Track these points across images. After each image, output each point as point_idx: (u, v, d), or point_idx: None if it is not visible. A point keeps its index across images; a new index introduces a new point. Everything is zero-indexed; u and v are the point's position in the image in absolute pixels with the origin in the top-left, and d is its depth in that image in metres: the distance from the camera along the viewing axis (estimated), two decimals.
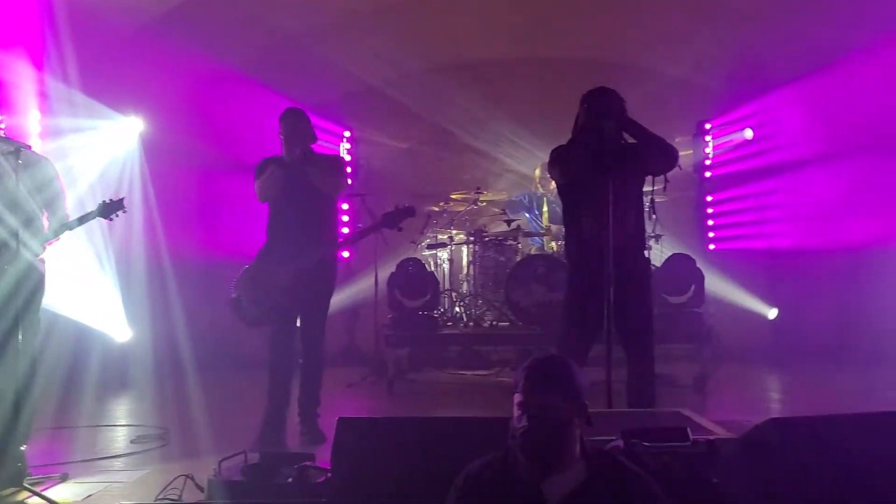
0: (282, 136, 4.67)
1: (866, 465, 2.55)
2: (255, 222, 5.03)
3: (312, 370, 4.78)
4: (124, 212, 4.03)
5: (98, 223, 4.25)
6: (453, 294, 7.65)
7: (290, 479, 3.19)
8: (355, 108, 8.89)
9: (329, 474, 3.06)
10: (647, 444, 2.54)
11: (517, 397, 2.22)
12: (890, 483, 2.55)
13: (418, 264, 7.09)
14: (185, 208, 7.67)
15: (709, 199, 8.87)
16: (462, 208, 7.65)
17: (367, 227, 5.10)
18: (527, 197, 7.86)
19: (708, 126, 8.80)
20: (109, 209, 3.96)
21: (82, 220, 3.96)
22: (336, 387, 6.42)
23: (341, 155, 8.05)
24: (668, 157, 4.02)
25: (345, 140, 8.77)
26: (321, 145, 5.20)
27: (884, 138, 7.53)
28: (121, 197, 4.04)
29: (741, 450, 2.65)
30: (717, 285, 7.76)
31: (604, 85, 4.09)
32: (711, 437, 2.66)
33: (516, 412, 2.21)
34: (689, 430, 2.63)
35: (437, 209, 7.68)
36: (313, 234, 4.65)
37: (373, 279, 7.38)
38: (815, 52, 7.51)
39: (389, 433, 2.95)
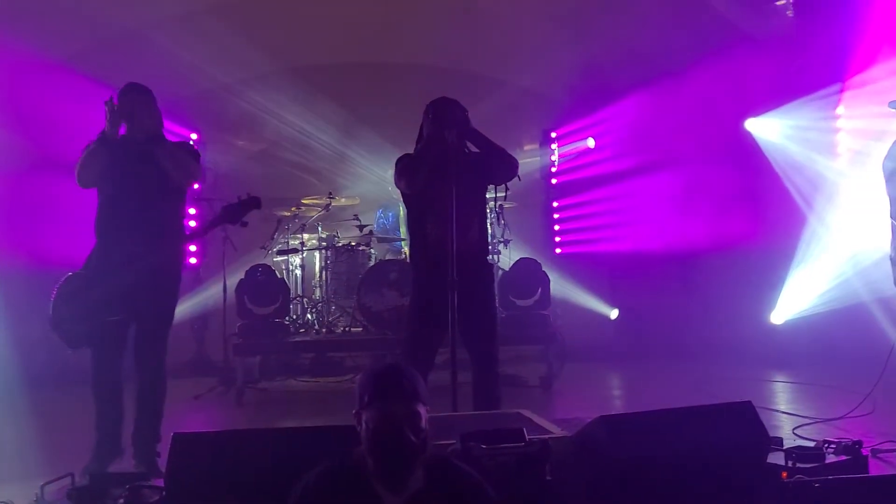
0: (123, 114, 4.00)
1: (686, 456, 2.72)
2: (89, 226, 4.59)
3: (151, 399, 4.07)
4: None
5: None
6: (305, 300, 7.53)
7: (121, 501, 3.02)
8: (203, 109, 8.57)
9: (163, 493, 2.93)
10: (484, 446, 2.59)
11: (373, 410, 2.18)
12: (708, 473, 2.74)
13: (268, 270, 6.91)
14: (10, 211, 7.10)
15: (555, 204, 9.25)
16: (314, 213, 7.55)
17: (205, 223, 4.23)
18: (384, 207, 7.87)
19: (553, 135, 9.17)
20: None
21: None
22: (182, 399, 6.15)
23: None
24: (507, 168, 4.15)
25: (192, 143, 8.43)
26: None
27: (711, 149, 8.14)
28: None
29: (574, 448, 2.76)
30: (563, 288, 8.10)
31: (451, 94, 4.18)
32: (546, 437, 2.76)
33: (373, 425, 2.17)
34: (525, 430, 2.71)
35: (288, 214, 7.54)
36: (156, 233, 4.00)
37: (221, 286, 7.13)
38: (651, 65, 8.01)
39: (228, 447, 2.86)
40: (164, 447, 3.88)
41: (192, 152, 4.27)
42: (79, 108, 6.92)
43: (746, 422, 2.83)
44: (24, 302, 6.55)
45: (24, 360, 6.28)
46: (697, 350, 7.72)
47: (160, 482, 3.16)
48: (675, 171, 8.29)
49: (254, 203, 4.09)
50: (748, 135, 7.95)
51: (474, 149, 4.15)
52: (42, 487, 3.12)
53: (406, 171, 4.07)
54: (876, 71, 6.80)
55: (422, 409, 2.22)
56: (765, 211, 7.87)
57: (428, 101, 4.20)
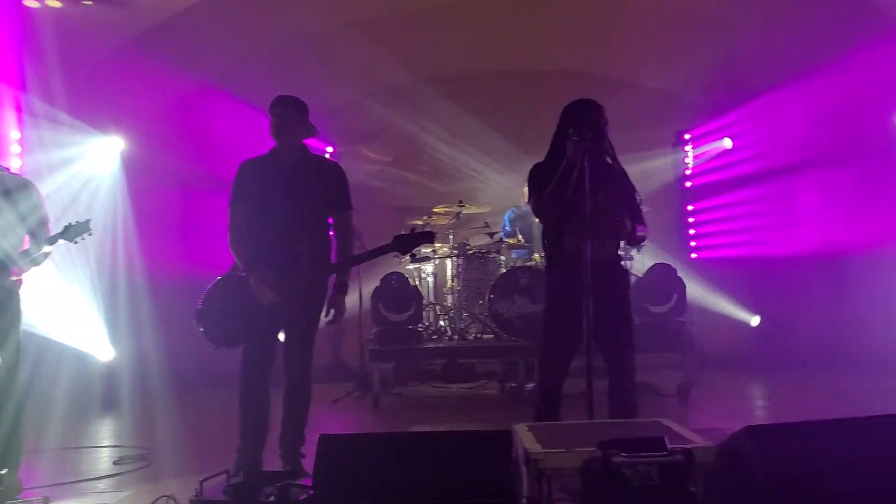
0: (274, 128, 4.01)
1: (840, 470, 2.57)
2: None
3: (299, 403, 4.10)
4: (90, 234, 3.96)
5: (82, 244, 4.19)
6: (437, 307, 7.65)
7: (272, 498, 3.19)
8: (338, 122, 8.90)
9: (311, 492, 3.06)
10: (624, 454, 2.55)
11: None
12: (869, 489, 2.58)
13: (402, 278, 7.10)
14: (167, 225, 7.67)
15: (690, 208, 8.97)
16: (445, 222, 7.67)
17: (376, 248, 4.10)
18: (513, 212, 7.88)
19: (687, 136, 8.90)
20: (74, 232, 3.90)
21: (50, 241, 3.93)
22: (321, 402, 6.38)
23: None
24: (630, 239, 4.10)
25: (327, 155, 8.79)
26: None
27: (858, 146, 7.65)
28: (87, 219, 3.97)
29: (719, 458, 2.67)
30: (700, 293, 7.83)
31: (580, 98, 4.07)
32: (689, 447, 2.67)
33: None
34: (666, 439, 2.64)
35: (420, 223, 7.69)
36: (310, 249, 3.99)
37: (357, 294, 7.37)
38: (792, 61, 7.63)
39: (372, 449, 2.96)
40: (308, 449, 4.02)
41: (345, 179, 4.23)
42: (228, 128, 7.41)
43: None
44: (178, 310, 7.04)
45: (177, 363, 6.74)
46: (848, 359, 7.27)
47: (306, 481, 3.31)
48: (820, 170, 7.87)
49: (427, 237, 4.12)
50: None
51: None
52: (201, 483, 3.33)
53: (543, 207, 3.94)
54: None
55: None
56: None
57: (557, 106, 4.08)
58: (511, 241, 7.58)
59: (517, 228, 7.68)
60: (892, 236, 7.32)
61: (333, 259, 4.32)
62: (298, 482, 3.32)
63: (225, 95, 7.50)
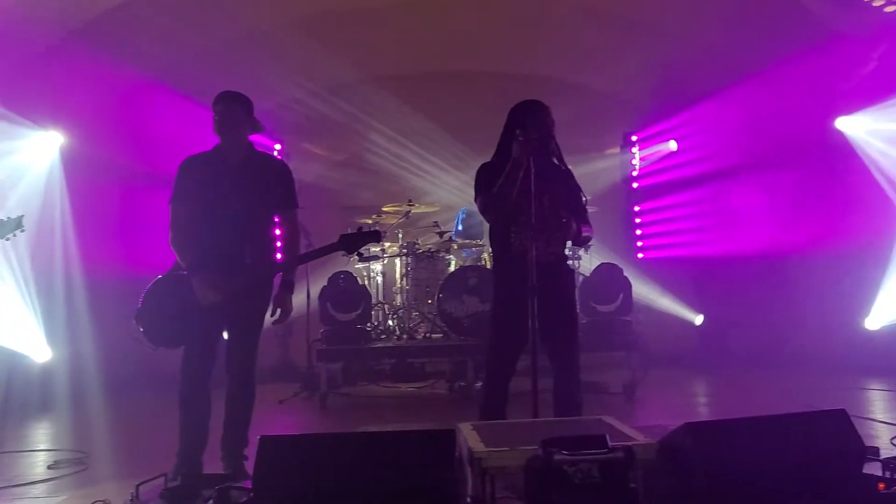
0: (218, 124, 3.96)
1: (776, 465, 2.63)
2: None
3: (242, 404, 4.04)
4: (22, 230, 3.83)
5: (13, 242, 4.05)
6: (386, 307, 7.61)
7: (210, 502, 3.12)
8: (286, 120, 8.80)
9: (251, 494, 3.01)
10: (565, 452, 2.56)
11: None
12: (799, 483, 2.64)
13: (350, 277, 7.04)
14: (106, 222, 7.46)
15: (637, 208, 9.10)
16: (394, 220, 7.64)
17: (321, 247, 4.05)
18: (465, 212, 7.88)
19: (634, 138, 9.03)
20: (6, 228, 3.76)
21: None
22: (268, 403, 6.33)
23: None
24: (575, 240, 4.08)
25: (276, 153, 8.67)
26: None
27: (801, 150, 7.85)
28: (19, 215, 3.84)
29: (658, 455, 2.71)
30: (646, 293, 7.95)
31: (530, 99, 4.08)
32: (630, 444, 2.70)
33: None
34: (607, 437, 2.66)
35: (369, 222, 7.64)
36: (256, 246, 3.98)
37: (304, 293, 7.29)
38: (734, 66, 7.79)
39: (313, 450, 2.92)
40: (250, 451, 3.97)
41: (291, 177, 4.21)
42: (172, 124, 7.25)
43: (840, 430, 2.72)
44: (118, 310, 6.87)
45: (115, 365, 6.57)
46: (787, 357, 7.46)
47: (247, 484, 3.26)
48: (762, 173, 8.05)
49: (373, 236, 4.10)
50: (839, 133, 7.64)
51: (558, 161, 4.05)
52: (137, 487, 3.25)
53: (491, 183, 3.90)
54: None
55: None
56: (857, 212, 7.54)
57: (505, 108, 4.10)
58: (470, 242, 7.58)
59: (470, 228, 7.69)
60: (829, 238, 7.53)
61: (279, 258, 4.29)
62: (238, 485, 3.25)
63: (167, 90, 7.33)
